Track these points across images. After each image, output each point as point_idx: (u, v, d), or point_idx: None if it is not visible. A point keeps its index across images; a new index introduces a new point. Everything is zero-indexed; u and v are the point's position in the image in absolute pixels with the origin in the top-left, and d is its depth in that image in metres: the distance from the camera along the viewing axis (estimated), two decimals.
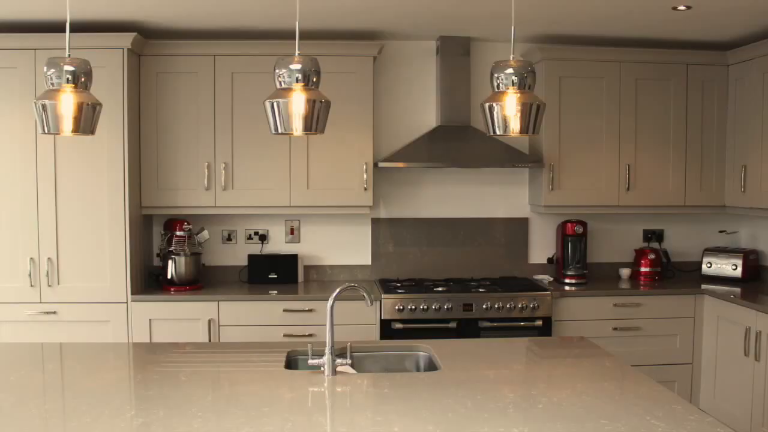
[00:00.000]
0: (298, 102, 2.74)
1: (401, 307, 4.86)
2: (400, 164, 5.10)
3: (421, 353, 3.38)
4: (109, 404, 2.54)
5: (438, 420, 2.37)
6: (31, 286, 4.81)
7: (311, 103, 2.75)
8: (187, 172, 5.07)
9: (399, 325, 4.86)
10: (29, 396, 2.65)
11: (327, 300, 2.98)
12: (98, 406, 2.50)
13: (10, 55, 4.71)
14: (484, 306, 4.91)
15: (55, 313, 4.82)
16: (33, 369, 3.05)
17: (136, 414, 2.43)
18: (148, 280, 5.26)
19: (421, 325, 4.87)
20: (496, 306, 4.91)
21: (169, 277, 5.04)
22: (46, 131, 2.90)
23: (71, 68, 2.88)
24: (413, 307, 4.87)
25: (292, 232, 5.54)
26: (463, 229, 5.62)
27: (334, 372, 2.92)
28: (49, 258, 4.81)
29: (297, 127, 2.76)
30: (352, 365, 3.06)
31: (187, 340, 4.74)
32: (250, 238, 5.52)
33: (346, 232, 5.58)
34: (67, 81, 2.88)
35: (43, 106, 2.86)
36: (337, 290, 3.01)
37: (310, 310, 4.88)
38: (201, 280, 5.19)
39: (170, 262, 5.03)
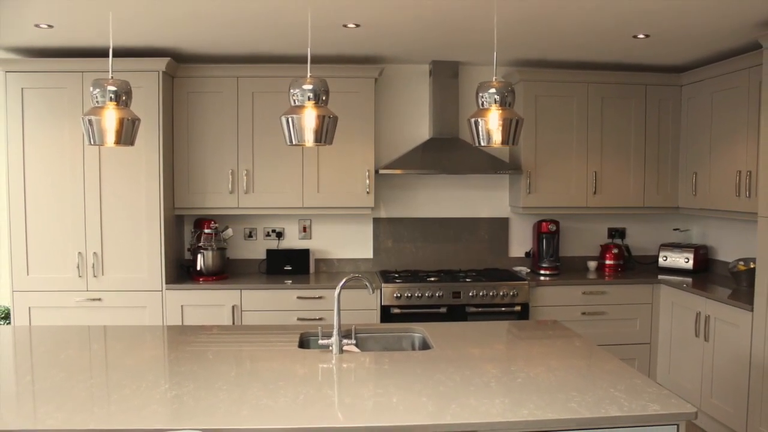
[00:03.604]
0: (309, 117, 2.74)
1: (399, 295, 4.86)
2: (398, 171, 5.09)
3: (416, 334, 3.38)
4: (146, 379, 2.54)
5: (430, 392, 2.37)
6: (79, 276, 4.81)
7: (321, 119, 2.75)
8: (214, 177, 5.07)
9: (397, 310, 4.85)
10: (77, 371, 2.65)
11: (335, 288, 2.98)
12: (137, 380, 2.50)
13: (60, 77, 4.71)
14: (470, 294, 4.90)
15: (99, 300, 4.82)
16: (81, 348, 3.05)
17: (170, 387, 2.43)
18: (180, 272, 5.26)
19: (415, 310, 4.86)
20: (480, 294, 4.90)
21: (198, 268, 5.03)
22: (92, 143, 2.90)
23: (114, 88, 2.89)
24: (409, 294, 4.87)
25: (304, 229, 5.53)
26: (452, 227, 5.61)
27: (341, 351, 2.91)
28: (94, 252, 4.81)
29: (309, 139, 2.76)
30: (356, 345, 3.06)
31: (214, 324, 4.74)
32: (268, 235, 5.52)
33: (351, 230, 5.57)
34: (110, 99, 2.89)
35: (90, 121, 2.86)
36: (344, 280, 3.01)
37: (320, 297, 4.87)
38: (226, 272, 5.18)
39: (199, 256, 5.03)
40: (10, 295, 4.83)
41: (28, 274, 4.79)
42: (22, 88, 4.72)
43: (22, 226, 4.78)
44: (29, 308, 4.80)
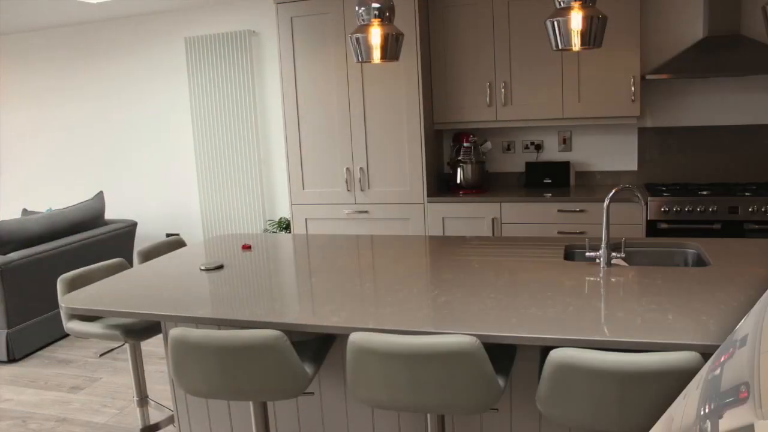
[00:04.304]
0: (576, 19, 2.57)
1: (666, 209, 4.54)
2: (666, 76, 4.68)
3: (690, 250, 3.14)
4: (416, 285, 2.63)
5: (711, 311, 2.18)
6: (348, 190, 5.11)
7: (589, 20, 2.57)
8: (471, 91, 5.04)
9: (664, 225, 4.55)
10: (351, 275, 2.82)
11: (596, 202, 2.85)
12: (407, 286, 2.61)
13: (323, 4, 4.91)
14: (749, 209, 4.44)
15: (366, 212, 5.10)
16: (352, 255, 3.25)
17: (439, 293, 2.50)
18: (440, 185, 5.37)
19: (685, 225, 4.52)
20: (763, 209, 4.42)
21: (458, 182, 5.11)
22: (359, 60, 2.98)
23: (378, 5, 2.93)
24: (678, 209, 4.53)
25: (564, 141, 5.34)
26: (727, 136, 5.08)
27: (609, 264, 2.79)
28: (360, 168, 5.07)
29: (576, 42, 2.60)
30: (624, 259, 2.91)
31: (474, 235, 4.81)
32: (526, 147, 5.42)
33: (614, 141, 5.27)
34: (375, 16, 2.94)
35: (357, 39, 2.94)
36: (613, 191, 2.85)
37: (581, 211, 4.70)
38: (485, 185, 5.20)
39: (459, 170, 5.09)
40: (289, 208, 5.29)
41: (303, 189, 5.20)
42: (291, 18, 5.02)
43: (297, 146, 5.16)
44: (305, 219, 5.22)
